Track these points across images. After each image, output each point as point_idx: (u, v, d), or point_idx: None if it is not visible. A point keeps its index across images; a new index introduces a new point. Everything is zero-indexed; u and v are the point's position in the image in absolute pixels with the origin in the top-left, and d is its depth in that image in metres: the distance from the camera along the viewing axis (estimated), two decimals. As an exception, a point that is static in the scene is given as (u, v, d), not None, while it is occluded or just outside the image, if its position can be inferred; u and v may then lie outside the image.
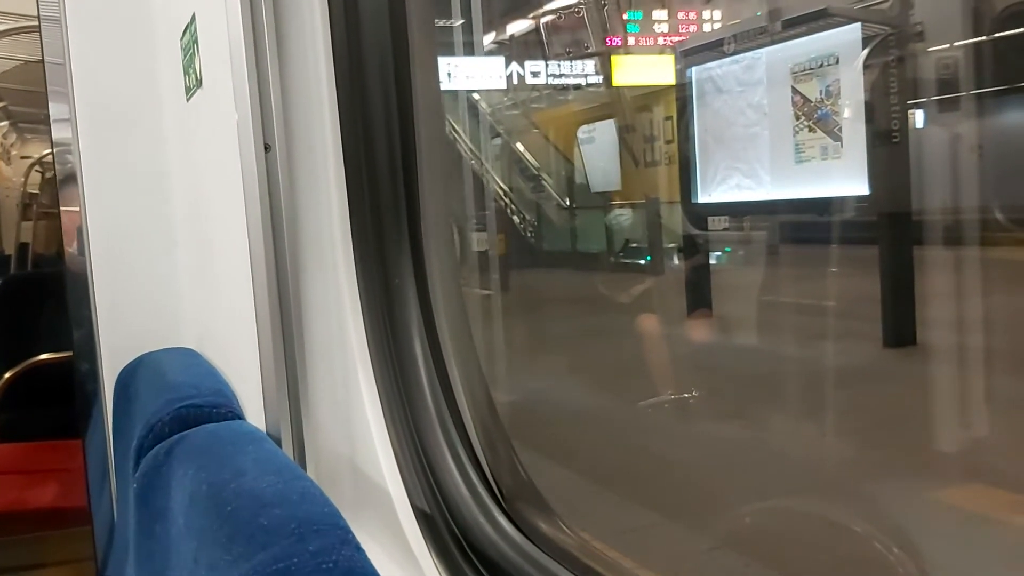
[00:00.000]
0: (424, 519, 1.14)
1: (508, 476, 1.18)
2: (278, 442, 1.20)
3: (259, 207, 1.15)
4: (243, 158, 1.17)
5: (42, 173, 7.22)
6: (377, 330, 1.22)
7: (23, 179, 7.11)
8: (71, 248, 2.03)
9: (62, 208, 2.04)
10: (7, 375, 3.46)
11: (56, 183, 2.05)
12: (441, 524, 1.13)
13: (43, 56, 2.03)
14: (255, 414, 1.31)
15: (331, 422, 1.24)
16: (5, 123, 7.92)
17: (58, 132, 2.02)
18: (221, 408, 1.36)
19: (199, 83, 1.50)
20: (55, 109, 2.02)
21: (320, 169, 1.21)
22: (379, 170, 1.23)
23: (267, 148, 1.15)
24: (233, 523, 0.88)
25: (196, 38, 1.47)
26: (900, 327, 5.19)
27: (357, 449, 1.23)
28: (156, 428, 1.32)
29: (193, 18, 1.47)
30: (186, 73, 1.61)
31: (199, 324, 1.89)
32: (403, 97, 1.23)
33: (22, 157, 8.12)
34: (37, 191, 7.18)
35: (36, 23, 2.06)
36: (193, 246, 1.86)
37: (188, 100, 1.62)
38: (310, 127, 1.21)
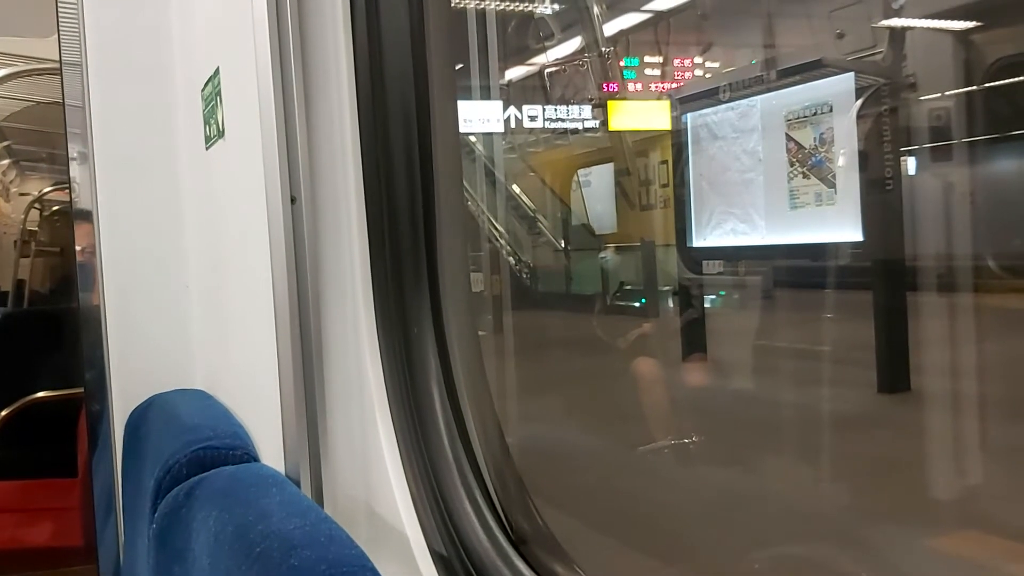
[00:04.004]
0: (441, 562, 1.16)
1: (523, 520, 1.20)
2: (297, 484, 1.23)
3: (284, 258, 1.19)
4: (269, 209, 1.21)
5: (40, 210, 7.25)
6: (395, 376, 1.25)
7: (23, 216, 7.13)
8: (85, 288, 2.06)
9: (77, 248, 2.08)
10: (3, 413, 3.46)
11: (72, 223, 2.09)
12: (459, 567, 1.16)
13: (63, 99, 2.08)
14: (272, 456, 1.34)
15: (349, 465, 1.27)
16: (6, 161, 7.98)
17: (75, 173, 2.06)
18: (238, 450, 1.39)
19: (220, 133, 1.54)
20: (73, 151, 2.07)
21: (343, 221, 1.25)
22: (400, 221, 1.27)
23: (293, 200, 1.19)
24: (263, 564, 0.91)
25: (219, 90, 1.52)
26: (894, 373, 5.21)
27: (374, 492, 1.26)
28: (174, 470, 1.35)
29: (217, 71, 1.52)
30: (206, 123, 1.65)
31: (209, 366, 1.92)
32: (424, 148, 1.28)
33: (21, 194, 8.16)
34: (36, 228, 7.20)
35: (57, 66, 2.12)
36: (206, 290, 1.90)
37: (207, 149, 1.67)
38: (335, 179, 1.25)
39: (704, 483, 4.22)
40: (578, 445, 4.98)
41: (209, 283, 1.86)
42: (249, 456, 1.37)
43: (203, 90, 1.65)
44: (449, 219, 1.27)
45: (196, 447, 1.36)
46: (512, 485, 1.25)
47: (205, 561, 1.07)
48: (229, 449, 1.37)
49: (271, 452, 1.33)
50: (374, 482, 1.26)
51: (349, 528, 0.98)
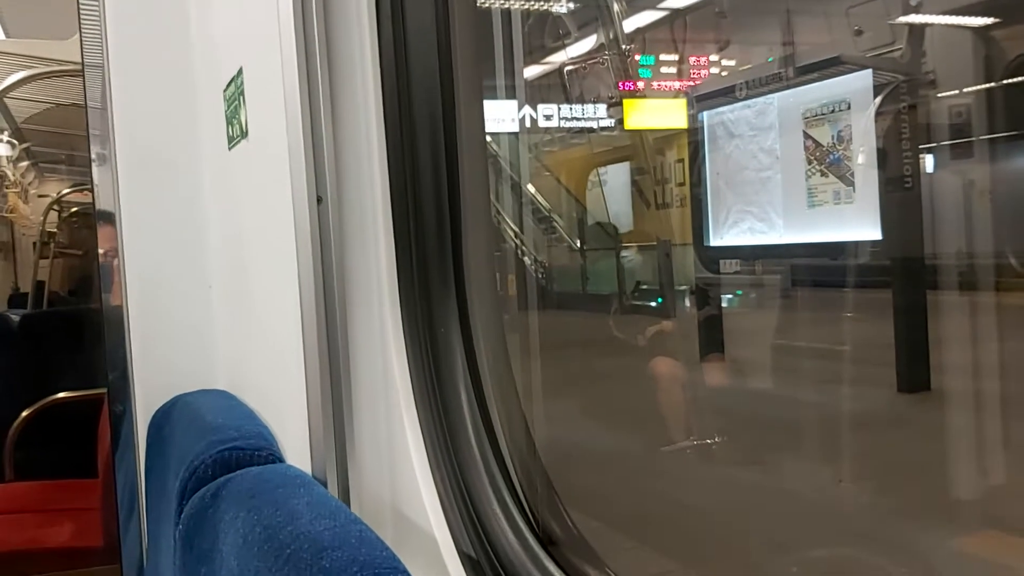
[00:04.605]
0: (470, 563, 1.16)
1: (553, 522, 1.20)
2: (323, 485, 1.23)
3: (311, 258, 1.19)
4: (296, 210, 1.21)
5: (59, 212, 7.30)
6: (422, 376, 1.25)
7: (41, 218, 7.18)
8: (108, 289, 2.06)
9: (100, 249, 2.09)
10: (24, 413, 3.48)
11: (95, 225, 2.09)
12: (487, 568, 1.15)
13: (85, 100, 2.09)
14: (297, 457, 1.33)
15: (376, 466, 1.26)
16: (25, 163, 8.02)
17: (98, 175, 2.07)
18: (263, 451, 1.38)
19: (244, 134, 1.54)
20: (95, 152, 2.07)
21: (369, 220, 1.25)
22: (426, 220, 1.26)
23: (319, 200, 1.19)
24: (293, 566, 0.90)
25: (242, 90, 1.52)
26: (914, 372, 5.17)
27: (401, 493, 1.25)
28: (199, 471, 1.35)
29: (240, 71, 1.52)
30: (229, 123, 1.65)
31: (233, 367, 1.92)
32: (450, 147, 1.27)
33: (40, 196, 8.21)
34: (55, 230, 7.24)
35: (78, 68, 2.13)
36: (229, 290, 1.90)
37: (230, 149, 1.67)
38: (360, 179, 1.24)
39: (730, 484, 4.20)
40: (600, 446, 4.97)
41: (232, 283, 1.86)
42: (275, 457, 1.37)
43: (225, 91, 1.65)
44: (475, 218, 1.27)
45: (221, 448, 1.36)
46: (540, 485, 1.24)
47: (233, 562, 1.06)
48: (254, 450, 1.37)
49: (297, 453, 1.33)
50: (401, 482, 1.25)
51: (376, 529, 0.98)
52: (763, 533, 3.40)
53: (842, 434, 4.57)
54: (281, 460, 1.38)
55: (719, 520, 3.62)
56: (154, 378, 1.99)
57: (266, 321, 1.54)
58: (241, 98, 1.53)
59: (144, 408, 1.99)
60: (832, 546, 3.26)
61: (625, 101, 10.39)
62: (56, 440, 3.42)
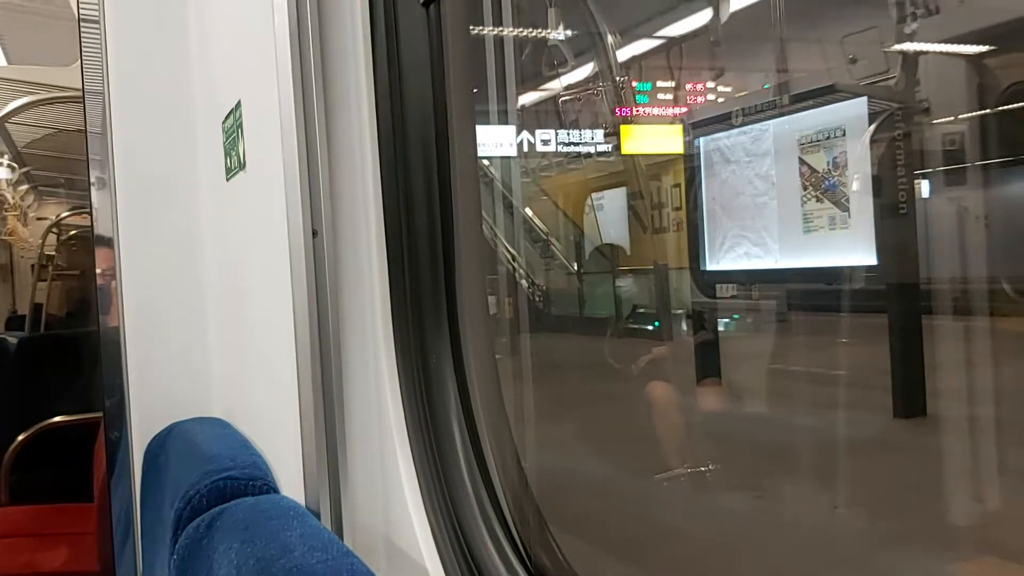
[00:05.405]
0: (462, 596, 1.16)
1: (544, 555, 1.20)
2: (317, 516, 1.23)
3: (306, 290, 1.20)
4: (291, 242, 1.22)
5: (58, 235, 7.31)
6: (415, 407, 1.26)
7: (40, 240, 7.19)
8: (105, 315, 2.07)
9: (98, 273, 2.10)
10: (21, 437, 3.48)
11: (92, 249, 2.10)
12: (478, 601, 1.16)
13: (85, 126, 2.10)
14: (291, 487, 1.34)
15: (368, 497, 1.27)
16: (25, 186, 8.05)
17: (97, 199, 2.08)
18: (257, 481, 1.39)
19: (241, 165, 1.56)
20: (95, 176, 2.09)
21: (363, 253, 1.26)
22: (419, 253, 1.28)
23: (315, 233, 1.21)
24: (286, 599, 0.91)
25: (240, 123, 1.53)
26: (910, 397, 5.18)
27: (394, 524, 1.26)
28: (194, 500, 1.35)
29: (238, 104, 1.53)
30: (227, 155, 1.67)
31: (228, 395, 1.93)
32: (443, 180, 1.29)
33: (39, 219, 8.23)
34: (53, 253, 7.25)
35: (79, 94, 2.15)
36: (225, 320, 1.91)
37: (228, 180, 1.68)
38: (355, 213, 1.26)
39: (725, 512, 4.19)
40: (594, 473, 4.96)
41: (228, 312, 1.87)
42: (269, 487, 1.37)
43: (224, 122, 1.67)
44: (468, 251, 1.28)
45: (216, 477, 1.36)
46: (531, 517, 1.25)
47: (227, 593, 1.07)
48: (249, 480, 1.37)
49: (290, 483, 1.34)
50: (393, 514, 1.26)
51: (368, 561, 0.98)
52: (758, 560, 3.39)
53: (838, 460, 4.56)
54: (275, 490, 1.39)
55: (714, 548, 3.61)
56: (150, 404, 2.00)
57: (261, 350, 1.55)
58: (239, 131, 1.55)
59: (140, 434, 1.99)
60: (829, 573, 3.26)
61: (622, 128, 10.44)
62: (52, 464, 3.42)
